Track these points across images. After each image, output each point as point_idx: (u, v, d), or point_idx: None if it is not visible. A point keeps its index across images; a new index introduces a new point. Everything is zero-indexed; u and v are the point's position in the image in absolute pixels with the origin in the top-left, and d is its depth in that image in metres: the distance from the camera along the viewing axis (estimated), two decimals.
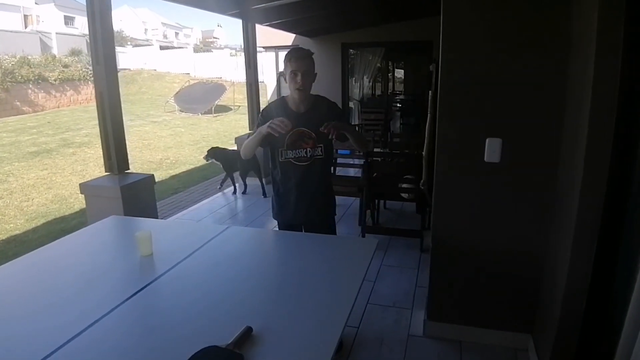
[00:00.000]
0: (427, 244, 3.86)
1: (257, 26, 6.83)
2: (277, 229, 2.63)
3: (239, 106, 18.44)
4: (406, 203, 4.82)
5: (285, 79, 2.36)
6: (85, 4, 3.54)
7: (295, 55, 2.29)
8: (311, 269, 1.86)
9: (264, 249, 2.28)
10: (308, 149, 2.39)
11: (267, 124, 2.21)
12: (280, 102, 2.45)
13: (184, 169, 8.71)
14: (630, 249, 1.75)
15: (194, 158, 9.67)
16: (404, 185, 4.03)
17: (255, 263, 1.99)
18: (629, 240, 1.77)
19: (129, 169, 3.95)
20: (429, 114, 3.60)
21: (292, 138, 2.37)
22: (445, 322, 2.66)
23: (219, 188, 6.61)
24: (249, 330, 1.31)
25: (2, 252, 4.88)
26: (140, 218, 2.85)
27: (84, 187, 3.79)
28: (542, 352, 2.31)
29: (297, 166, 2.41)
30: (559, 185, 2.22)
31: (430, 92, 3.63)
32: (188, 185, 7.29)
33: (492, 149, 2.28)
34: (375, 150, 5.23)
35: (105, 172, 3.85)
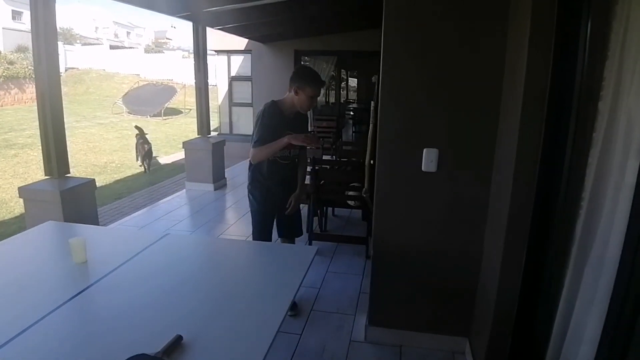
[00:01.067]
0: (372, 250, 3.95)
1: (210, 29, 6.75)
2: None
3: (190, 109, 18.09)
4: (354, 210, 4.90)
5: (295, 92, 2.70)
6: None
7: (322, 84, 2.79)
8: (248, 276, 1.87)
9: (201, 257, 2.25)
10: (291, 150, 2.86)
11: (293, 136, 2.68)
12: (275, 107, 2.78)
13: (129, 173, 8.45)
14: (557, 252, 1.86)
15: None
16: (350, 193, 4.09)
17: (191, 270, 1.96)
18: (556, 244, 1.89)
19: (69, 172, 3.82)
20: (370, 124, 3.69)
21: None
22: (386, 327, 2.71)
23: None
24: (179, 338, 1.29)
25: None
26: (77, 224, 2.74)
27: (23, 191, 3.64)
28: (477, 355, 2.41)
29: (281, 164, 2.87)
30: (493, 191, 2.33)
31: (372, 102, 3.72)
32: (133, 190, 7.06)
33: (429, 159, 2.37)
34: (325, 157, 5.28)
35: (45, 175, 3.70)
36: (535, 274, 2.03)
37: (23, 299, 1.61)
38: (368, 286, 3.21)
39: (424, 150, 2.37)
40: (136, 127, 9.62)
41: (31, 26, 3.49)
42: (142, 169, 8.87)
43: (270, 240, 3.01)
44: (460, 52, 2.27)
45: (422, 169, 2.38)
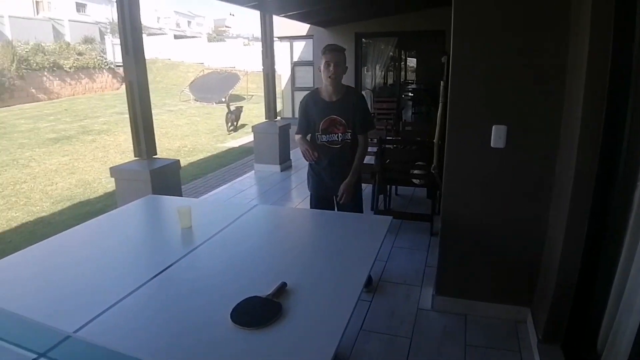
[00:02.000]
0: (437, 228, 4.07)
1: (274, 17, 7.01)
2: (307, 204, 3.07)
3: (252, 95, 18.69)
4: (417, 190, 5.03)
5: (320, 70, 2.81)
6: None
7: (330, 48, 2.78)
8: (334, 239, 2.10)
9: (290, 224, 2.53)
10: (339, 134, 2.87)
11: (303, 147, 2.91)
12: (314, 93, 2.93)
13: (201, 156, 8.99)
14: (616, 227, 1.95)
15: (211, 146, 9.95)
16: (416, 172, 4.23)
17: (283, 234, 2.24)
18: (615, 220, 1.97)
19: (156, 154, 4.21)
20: (440, 103, 3.79)
21: (325, 124, 2.87)
22: (452, 296, 2.87)
23: None
24: (283, 284, 1.55)
25: (31, 232, 5.20)
26: (174, 197, 3.10)
27: (115, 171, 4.05)
28: (538, 324, 2.52)
29: (330, 148, 2.90)
30: (557, 168, 2.41)
31: (442, 82, 3.81)
32: (206, 172, 7.56)
33: (497, 136, 2.48)
34: (388, 138, 5.42)
35: (135, 157, 4.11)
36: (595, 248, 2.13)
37: (142, 257, 1.95)
38: (433, 261, 3.39)
39: (493, 127, 2.48)
40: (227, 105, 12.49)
41: (118, 19, 3.85)
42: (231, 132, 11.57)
43: None
44: (531, 32, 2.35)
45: (491, 145, 2.50)
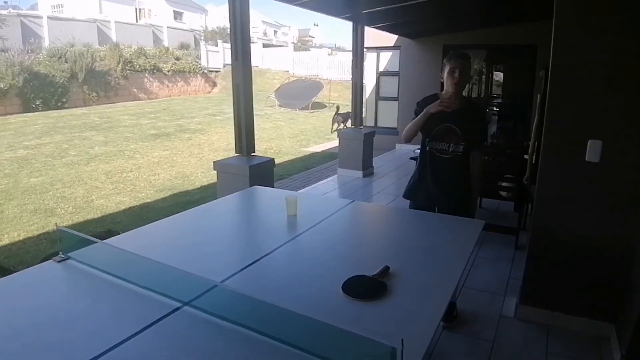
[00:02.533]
0: (522, 242, 4.07)
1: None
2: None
3: (334, 104, 19.11)
4: (501, 203, 5.01)
5: (442, 78, 2.69)
6: (227, 8, 4.19)
7: (456, 55, 2.66)
8: (429, 235, 2.27)
9: (387, 219, 2.75)
10: (451, 144, 2.70)
11: (436, 103, 2.57)
12: (434, 98, 2.72)
13: (286, 158, 9.44)
14: None
15: (295, 149, 10.40)
16: (504, 184, 4.25)
17: (381, 227, 2.45)
18: None
19: (254, 152, 4.60)
20: (536, 116, 3.80)
21: (439, 131, 2.70)
22: (536, 307, 2.91)
23: None
24: (387, 268, 1.74)
25: (137, 215, 5.83)
26: (276, 189, 3.42)
27: (217, 165, 4.46)
28: (622, 340, 2.50)
29: (437, 157, 2.74)
30: None
31: (539, 95, 3.83)
32: (291, 173, 7.96)
33: (593, 150, 2.52)
34: None
35: (235, 153, 4.52)
36: None
37: (258, 235, 2.24)
38: (517, 274, 3.41)
39: (589, 141, 2.52)
40: (337, 107, 13.49)
41: (230, 32, 4.28)
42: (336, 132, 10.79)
43: None
44: (631, 46, 2.38)
45: (586, 158, 2.54)
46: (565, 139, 2.62)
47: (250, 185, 4.20)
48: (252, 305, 1.38)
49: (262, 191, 3.18)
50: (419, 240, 2.22)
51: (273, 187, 4.71)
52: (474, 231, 2.23)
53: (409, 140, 2.76)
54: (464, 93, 2.87)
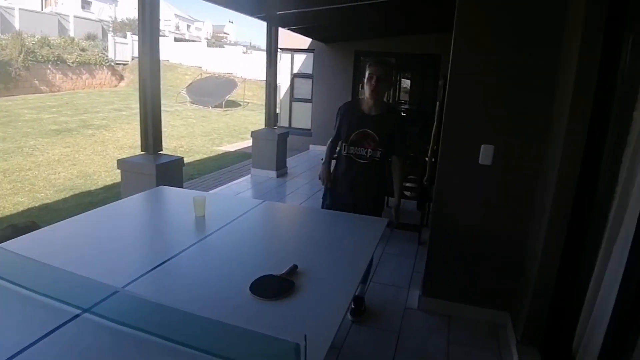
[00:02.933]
0: (424, 238, 4.35)
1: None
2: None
3: (248, 103, 18.94)
4: (406, 202, 5.29)
5: (362, 83, 2.71)
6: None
7: (375, 60, 2.68)
8: (336, 233, 2.34)
9: (296, 218, 2.78)
10: (369, 150, 2.71)
11: (322, 171, 2.87)
12: (354, 102, 2.81)
13: (197, 157, 9.19)
14: (593, 239, 2.22)
15: (207, 148, 10.16)
16: (408, 184, 4.49)
17: (290, 227, 2.48)
18: (592, 232, 2.25)
19: (162, 150, 4.39)
20: (435, 122, 4.09)
21: (357, 136, 2.72)
22: (438, 298, 3.12)
23: None
24: (295, 267, 1.78)
25: (36, 216, 5.35)
26: (184, 189, 3.31)
27: (122, 163, 4.22)
28: (517, 326, 2.78)
29: (354, 162, 2.76)
30: (540, 184, 2.70)
31: (438, 103, 4.11)
32: (203, 173, 7.76)
33: (485, 154, 2.76)
34: None
35: (142, 151, 4.29)
36: (571, 258, 2.39)
37: (163, 238, 2.16)
38: (420, 267, 3.63)
39: (482, 146, 2.76)
40: None
41: (138, 22, 4.08)
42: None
43: None
44: (519, 59, 2.65)
45: (479, 161, 2.78)
46: (460, 144, 2.84)
47: (157, 186, 4.01)
48: (154, 310, 1.34)
49: (169, 191, 3.07)
50: (327, 239, 2.29)
51: (182, 187, 4.56)
52: (378, 229, 2.35)
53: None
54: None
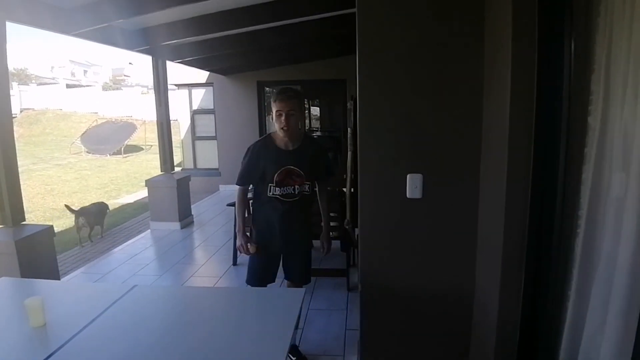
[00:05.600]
0: (354, 282, 3.79)
1: (170, 63, 6.60)
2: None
3: (151, 145, 17.69)
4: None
5: (272, 118, 2.53)
6: None
7: (281, 96, 2.44)
8: (231, 327, 1.68)
9: (175, 309, 2.02)
10: (296, 186, 2.55)
11: (240, 241, 2.61)
12: (267, 140, 2.58)
13: None
14: (558, 277, 1.78)
15: None
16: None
17: (165, 327, 1.74)
18: (554, 274, 1.80)
19: (24, 220, 3.56)
20: (349, 151, 3.58)
21: (281, 176, 2.51)
22: None
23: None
24: None
25: None
26: (34, 280, 2.49)
27: None
28: None
29: (283, 202, 2.56)
30: (481, 216, 2.24)
31: (349, 128, 3.62)
32: (94, 233, 6.65)
33: (413, 185, 2.26)
34: None
35: None
36: (534, 306, 1.93)
37: None
38: (353, 322, 3.06)
39: (408, 175, 2.26)
40: (65, 206, 6.95)
41: None
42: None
43: (264, 285, 2.69)
44: (438, 76, 2.21)
45: (407, 195, 2.28)
46: (382, 174, 2.32)
47: (21, 267, 3.28)
48: None
49: (12, 284, 2.25)
50: (217, 338, 1.61)
51: (55, 263, 3.71)
52: (293, 304, 1.73)
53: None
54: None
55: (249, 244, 2.63)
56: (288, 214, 2.59)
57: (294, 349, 2.83)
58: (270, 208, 2.59)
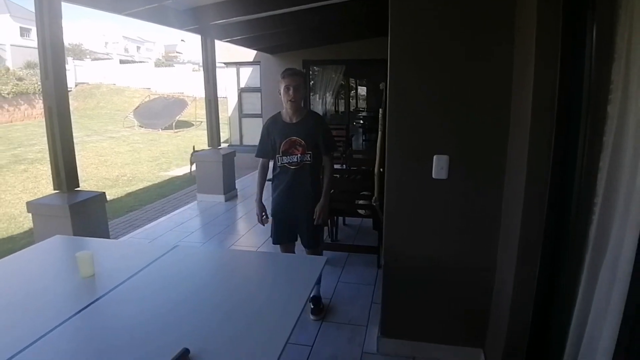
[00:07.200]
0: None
1: (218, 42, 6.81)
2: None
3: (201, 122, 18.23)
4: (365, 219, 4.87)
5: (280, 94, 2.87)
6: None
7: (288, 72, 2.84)
8: (256, 288, 1.85)
9: (210, 268, 2.23)
10: (299, 155, 2.90)
11: (258, 212, 3.05)
12: (275, 116, 3.00)
13: (141, 186, 8.51)
14: (571, 261, 1.82)
15: (152, 175, 9.47)
16: (360, 202, 4.06)
17: (199, 283, 1.94)
18: (570, 253, 1.85)
19: (78, 186, 3.82)
20: (379, 132, 3.66)
21: (286, 146, 2.90)
22: (399, 339, 2.67)
23: None
24: (185, 352, 1.28)
25: None
26: (85, 238, 2.75)
27: (31, 206, 3.63)
28: None
29: (290, 169, 2.92)
30: (505, 200, 2.29)
31: (380, 110, 3.70)
32: (145, 203, 7.10)
33: (439, 166, 2.34)
34: (335, 167, 5.27)
35: (54, 189, 3.71)
36: (549, 285, 1.98)
37: (28, 314, 1.61)
38: (380, 296, 3.18)
39: (434, 157, 2.34)
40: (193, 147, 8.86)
41: (38, 42, 3.51)
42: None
43: (282, 243, 3.10)
44: (468, 59, 2.25)
45: (433, 176, 2.36)
46: (409, 156, 2.41)
47: (74, 229, 3.48)
48: None
49: (66, 242, 2.52)
50: (243, 296, 1.78)
51: (107, 227, 3.99)
52: (313, 271, 1.88)
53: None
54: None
55: (263, 214, 3.04)
56: (292, 180, 2.93)
57: (316, 299, 3.18)
58: (281, 175, 2.96)
